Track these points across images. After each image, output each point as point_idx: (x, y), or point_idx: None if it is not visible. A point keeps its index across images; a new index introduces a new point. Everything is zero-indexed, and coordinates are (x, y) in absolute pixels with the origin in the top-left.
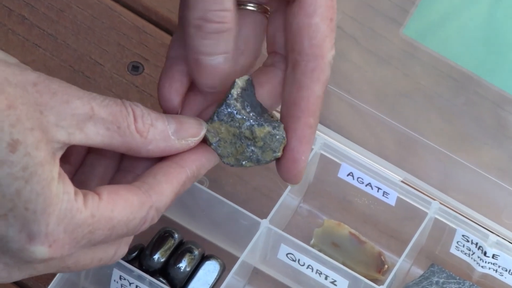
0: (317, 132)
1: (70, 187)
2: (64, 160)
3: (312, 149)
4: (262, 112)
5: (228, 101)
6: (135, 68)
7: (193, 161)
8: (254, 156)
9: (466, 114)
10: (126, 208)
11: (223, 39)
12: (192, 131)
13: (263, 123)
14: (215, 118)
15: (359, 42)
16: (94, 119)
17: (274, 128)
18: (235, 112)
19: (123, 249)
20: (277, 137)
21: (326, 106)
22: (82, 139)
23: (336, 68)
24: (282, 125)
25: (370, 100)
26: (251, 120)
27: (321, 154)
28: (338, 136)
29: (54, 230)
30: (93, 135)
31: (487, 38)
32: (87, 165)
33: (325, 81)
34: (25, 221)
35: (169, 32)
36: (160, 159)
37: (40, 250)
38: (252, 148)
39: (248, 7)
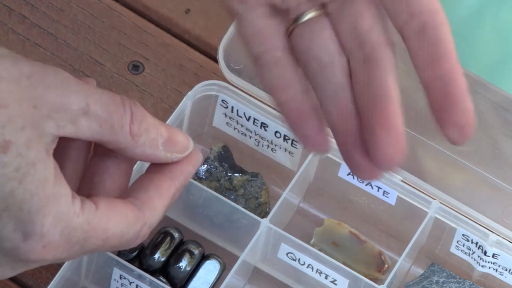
0: None
1: (67, 189)
2: None
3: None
4: (242, 171)
5: (205, 161)
6: (135, 67)
7: (181, 172)
8: (240, 205)
9: None
10: (122, 221)
11: None
12: (179, 147)
13: (241, 173)
14: (195, 178)
15: None
16: (88, 114)
17: (252, 176)
18: (213, 168)
19: None
20: (256, 183)
21: None
22: (72, 132)
23: None
24: (260, 175)
25: None
26: (229, 172)
27: None
28: None
29: (49, 231)
30: (84, 129)
31: (488, 38)
32: (60, 148)
33: None
34: (20, 221)
35: (169, 31)
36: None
37: (34, 250)
38: (234, 197)
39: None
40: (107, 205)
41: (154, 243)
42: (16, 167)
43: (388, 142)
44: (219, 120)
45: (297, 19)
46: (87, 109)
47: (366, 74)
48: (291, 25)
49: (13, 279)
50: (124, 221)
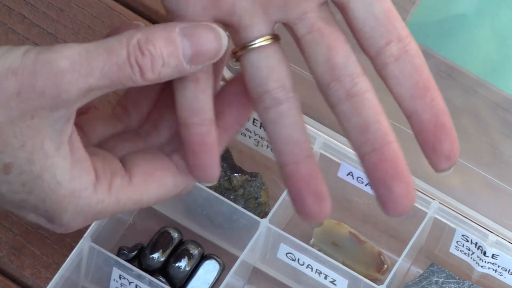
0: (317, 131)
1: (87, 180)
2: None
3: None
4: (241, 171)
5: None
6: None
7: (236, 123)
8: (239, 205)
9: (466, 114)
10: (159, 190)
11: None
12: (208, 56)
13: (241, 173)
14: None
15: None
16: (94, 89)
17: (252, 176)
18: None
19: None
20: (255, 183)
21: (325, 106)
22: (87, 100)
23: None
24: (260, 175)
25: None
26: (228, 172)
27: (321, 154)
28: (338, 136)
29: (69, 222)
30: (97, 95)
31: (488, 38)
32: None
33: None
34: (39, 213)
35: None
36: None
37: (59, 230)
38: (233, 197)
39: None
40: (144, 177)
41: (153, 243)
42: (22, 183)
43: (404, 195)
44: None
45: (247, 44)
46: (90, 88)
47: (355, 111)
48: (240, 50)
49: (13, 279)
50: (161, 189)
